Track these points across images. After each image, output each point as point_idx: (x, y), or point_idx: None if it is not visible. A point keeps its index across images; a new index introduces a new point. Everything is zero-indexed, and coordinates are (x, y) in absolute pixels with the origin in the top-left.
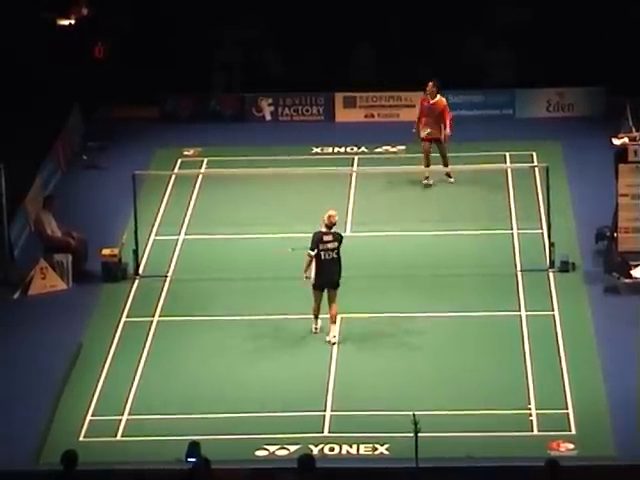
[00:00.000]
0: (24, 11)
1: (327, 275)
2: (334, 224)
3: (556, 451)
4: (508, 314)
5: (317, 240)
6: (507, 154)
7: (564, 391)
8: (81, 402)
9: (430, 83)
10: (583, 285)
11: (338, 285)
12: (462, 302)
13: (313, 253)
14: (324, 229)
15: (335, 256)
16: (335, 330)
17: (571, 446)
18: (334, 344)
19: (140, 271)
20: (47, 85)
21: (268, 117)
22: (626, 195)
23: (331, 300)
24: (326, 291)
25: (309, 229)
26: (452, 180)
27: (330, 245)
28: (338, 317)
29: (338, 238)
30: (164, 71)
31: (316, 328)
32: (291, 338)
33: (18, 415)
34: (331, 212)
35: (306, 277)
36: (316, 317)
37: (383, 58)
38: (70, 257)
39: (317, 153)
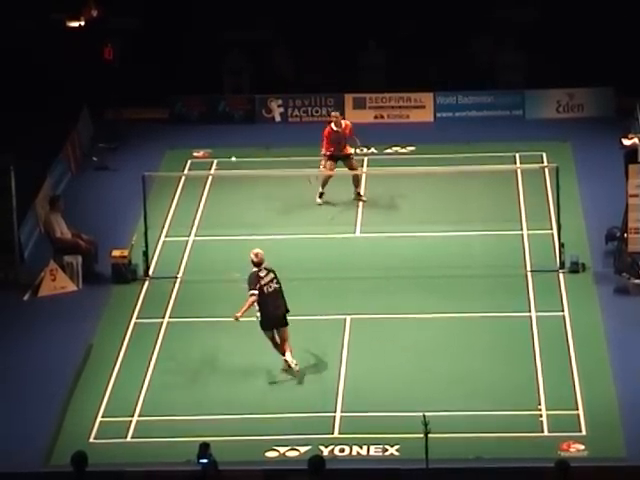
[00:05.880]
0: (34, 13)
1: (274, 312)
2: (262, 262)
3: (566, 452)
4: (518, 315)
5: (254, 280)
6: (517, 155)
7: (574, 392)
8: (91, 403)
9: (337, 113)
10: (593, 286)
11: (287, 320)
12: (472, 303)
13: (256, 292)
14: (255, 269)
15: (276, 286)
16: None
17: (581, 447)
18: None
19: (150, 272)
20: (57, 86)
21: (278, 118)
22: (636, 195)
23: (284, 339)
24: (276, 331)
25: (318, 230)
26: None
27: (267, 278)
28: (348, 318)
29: (271, 270)
30: (174, 72)
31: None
32: (300, 339)
33: (28, 416)
34: (256, 250)
35: (236, 319)
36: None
37: (393, 59)
38: (80, 258)
39: None
